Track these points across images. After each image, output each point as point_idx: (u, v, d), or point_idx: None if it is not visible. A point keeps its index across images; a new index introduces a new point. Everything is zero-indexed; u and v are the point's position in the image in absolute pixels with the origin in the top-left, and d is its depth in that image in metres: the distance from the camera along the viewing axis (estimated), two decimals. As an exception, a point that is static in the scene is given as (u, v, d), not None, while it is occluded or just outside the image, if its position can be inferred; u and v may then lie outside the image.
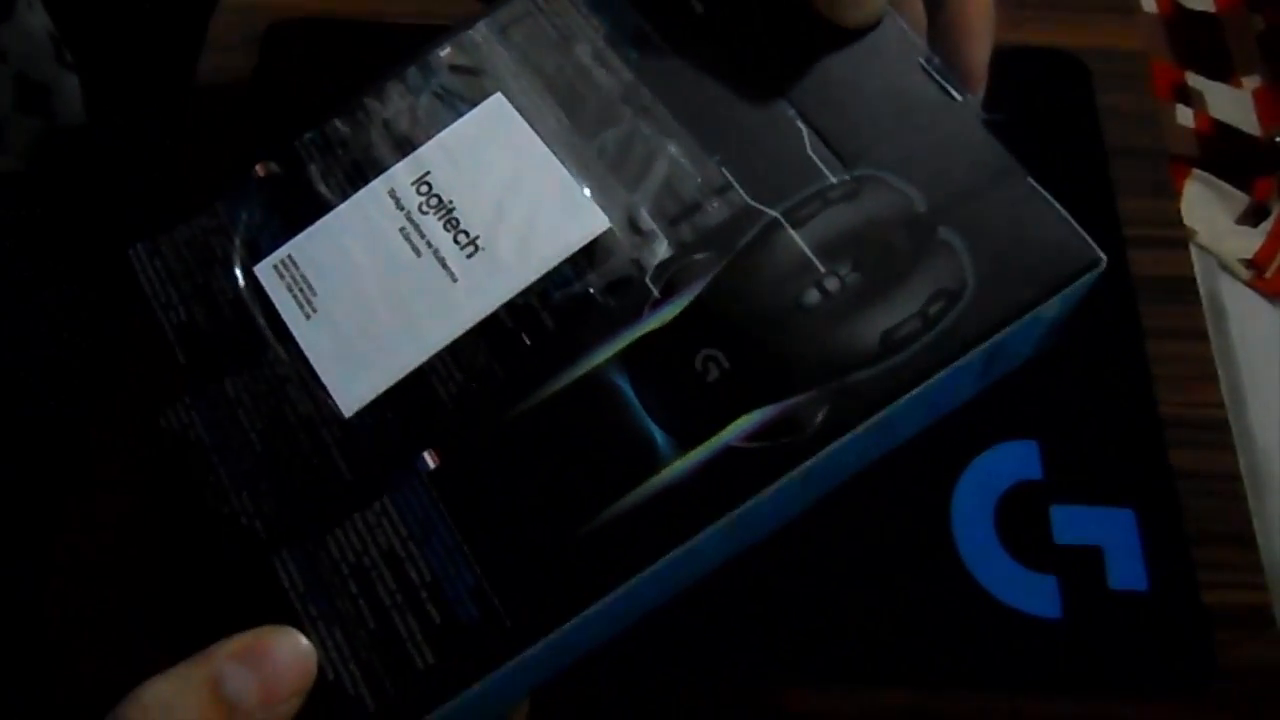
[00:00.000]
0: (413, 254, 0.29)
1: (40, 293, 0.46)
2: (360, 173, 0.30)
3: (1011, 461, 0.50)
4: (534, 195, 0.28)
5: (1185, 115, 0.67)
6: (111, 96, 0.44)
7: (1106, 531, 0.48)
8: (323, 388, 0.28)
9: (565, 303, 0.27)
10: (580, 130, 0.29)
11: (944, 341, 0.26)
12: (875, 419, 0.26)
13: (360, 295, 0.29)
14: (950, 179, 0.27)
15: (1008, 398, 0.51)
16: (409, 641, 0.26)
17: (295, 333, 0.29)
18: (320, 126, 0.31)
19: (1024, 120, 0.60)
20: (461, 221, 0.29)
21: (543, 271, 0.28)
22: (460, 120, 0.30)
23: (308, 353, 0.29)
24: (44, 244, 0.47)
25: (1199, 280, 0.56)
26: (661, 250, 0.28)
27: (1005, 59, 0.63)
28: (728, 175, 0.29)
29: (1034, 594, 0.47)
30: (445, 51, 0.31)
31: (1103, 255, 0.27)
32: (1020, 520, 0.48)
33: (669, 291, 0.27)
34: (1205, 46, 0.70)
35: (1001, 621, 0.46)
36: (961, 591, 0.47)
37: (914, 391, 0.26)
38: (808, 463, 0.25)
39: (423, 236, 0.29)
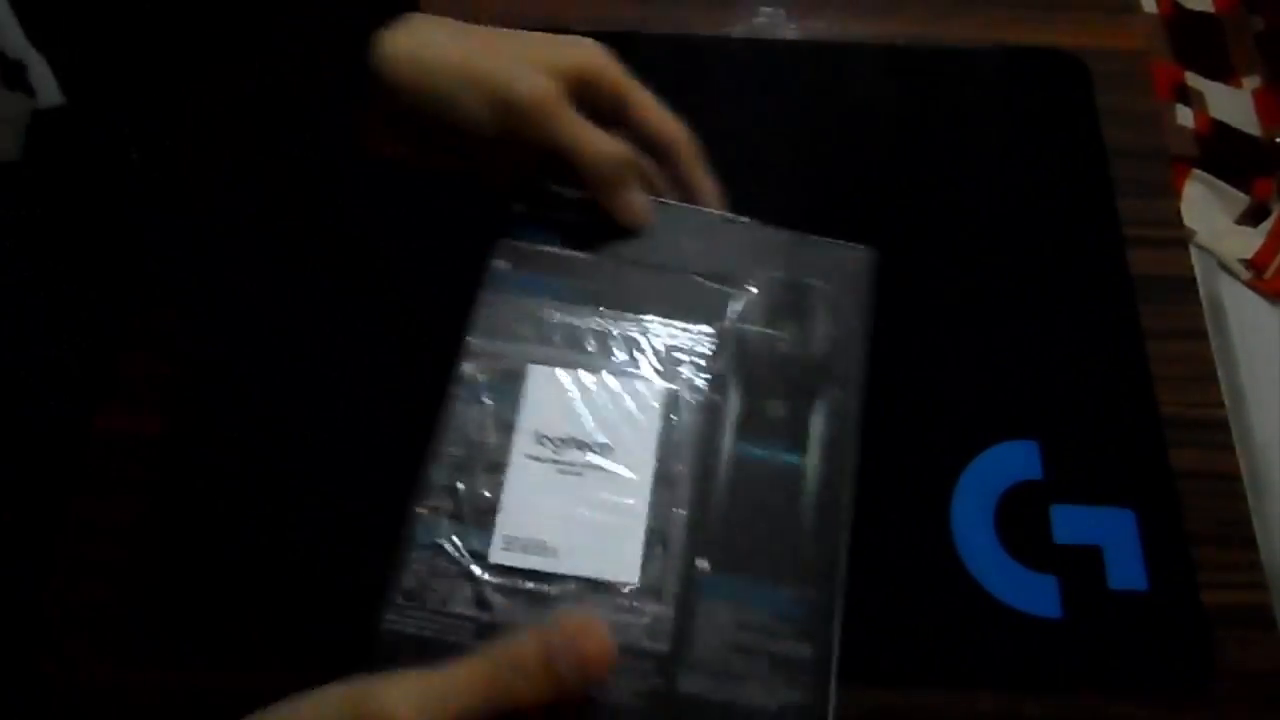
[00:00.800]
0: (577, 477, 0.38)
1: (40, 292, 0.46)
2: (494, 467, 0.38)
3: (1011, 461, 0.50)
4: (611, 401, 0.39)
5: (1185, 115, 0.67)
6: (82, 78, 0.44)
7: (1106, 531, 0.48)
8: (608, 585, 0.36)
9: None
10: (592, 348, 0.40)
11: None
12: None
13: (572, 519, 0.37)
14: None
15: (1008, 398, 0.51)
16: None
17: (559, 573, 0.36)
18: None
19: (1024, 120, 0.60)
20: (586, 440, 0.38)
21: (654, 440, 0.39)
22: (524, 396, 0.40)
23: (579, 573, 0.36)
24: (41, 240, 0.47)
25: (1199, 280, 0.56)
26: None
27: (1005, 59, 0.63)
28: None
29: (1034, 594, 0.47)
30: (469, 366, 0.40)
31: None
32: (1020, 520, 0.48)
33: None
34: (1205, 46, 0.70)
35: (1001, 621, 0.46)
36: (961, 591, 0.47)
37: None
38: None
39: (571, 464, 0.38)
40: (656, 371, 0.40)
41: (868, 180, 0.58)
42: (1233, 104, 0.68)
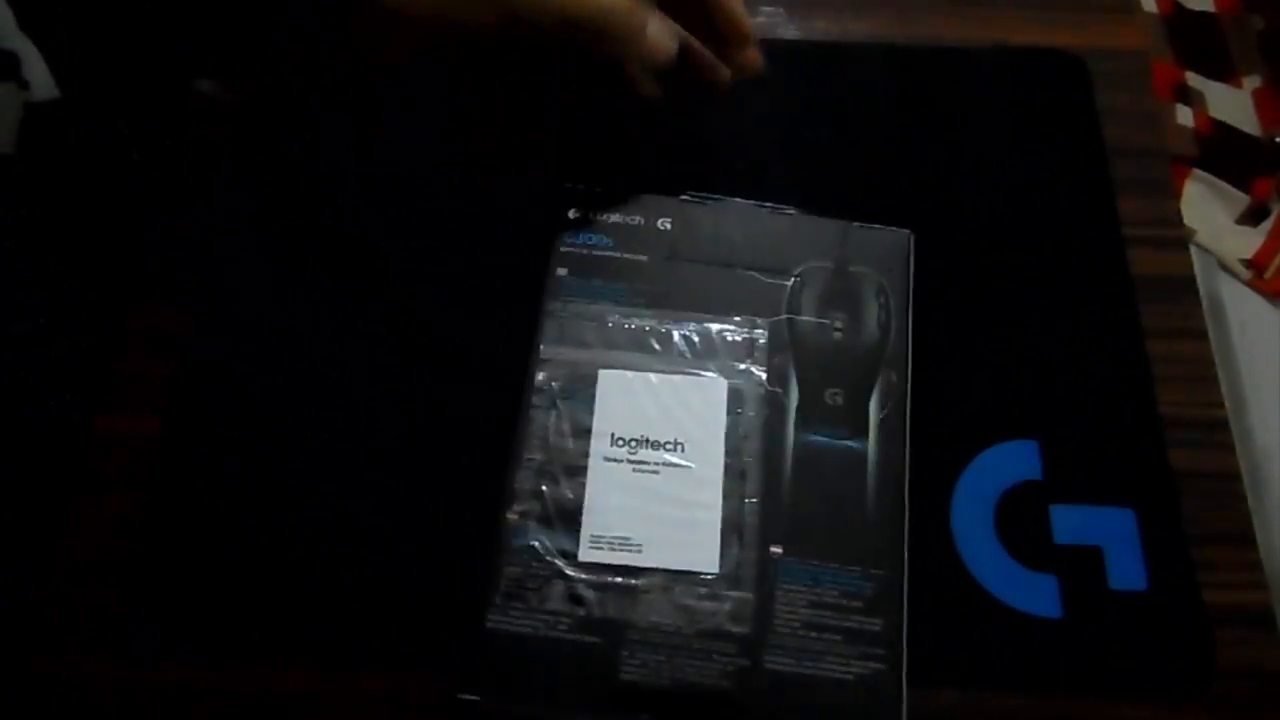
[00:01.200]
0: (652, 473, 0.40)
1: (39, 290, 0.46)
2: (574, 470, 0.41)
3: (1011, 461, 0.50)
4: (678, 399, 0.42)
5: (1185, 115, 0.67)
6: (76, 70, 0.44)
7: (1106, 531, 0.48)
8: (690, 575, 0.39)
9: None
10: (656, 349, 0.43)
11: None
12: None
13: (652, 515, 0.40)
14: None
15: (1008, 398, 0.51)
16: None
17: (644, 566, 0.39)
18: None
19: (1024, 120, 0.60)
20: (658, 439, 0.41)
21: (721, 434, 0.41)
22: (597, 401, 0.42)
23: (663, 565, 0.39)
24: (38, 236, 0.47)
25: (1199, 280, 0.56)
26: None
27: (1006, 59, 0.63)
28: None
29: (1034, 594, 0.47)
30: (542, 375, 0.43)
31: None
32: (1020, 520, 0.48)
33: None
34: (1205, 46, 0.70)
35: (1001, 621, 0.46)
36: (961, 591, 0.47)
37: None
38: None
39: (646, 463, 0.40)
40: (718, 368, 0.42)
41: (867, 180, 0.58)
42: (1233, 104, 0.69)
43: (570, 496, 0.40)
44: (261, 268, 0.54)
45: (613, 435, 0.42)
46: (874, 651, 0.37)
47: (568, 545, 0.39)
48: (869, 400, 0.41)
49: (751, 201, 0.45)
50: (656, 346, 0.43)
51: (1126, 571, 0.47)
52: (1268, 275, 0.64)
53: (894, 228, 0.45)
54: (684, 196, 0.45)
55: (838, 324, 0.42)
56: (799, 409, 0.41)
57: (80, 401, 0.50)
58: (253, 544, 0.48)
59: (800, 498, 0.40)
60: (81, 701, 0.45)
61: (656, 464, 0.41)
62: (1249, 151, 0.68)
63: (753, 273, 0.44)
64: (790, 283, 0.43)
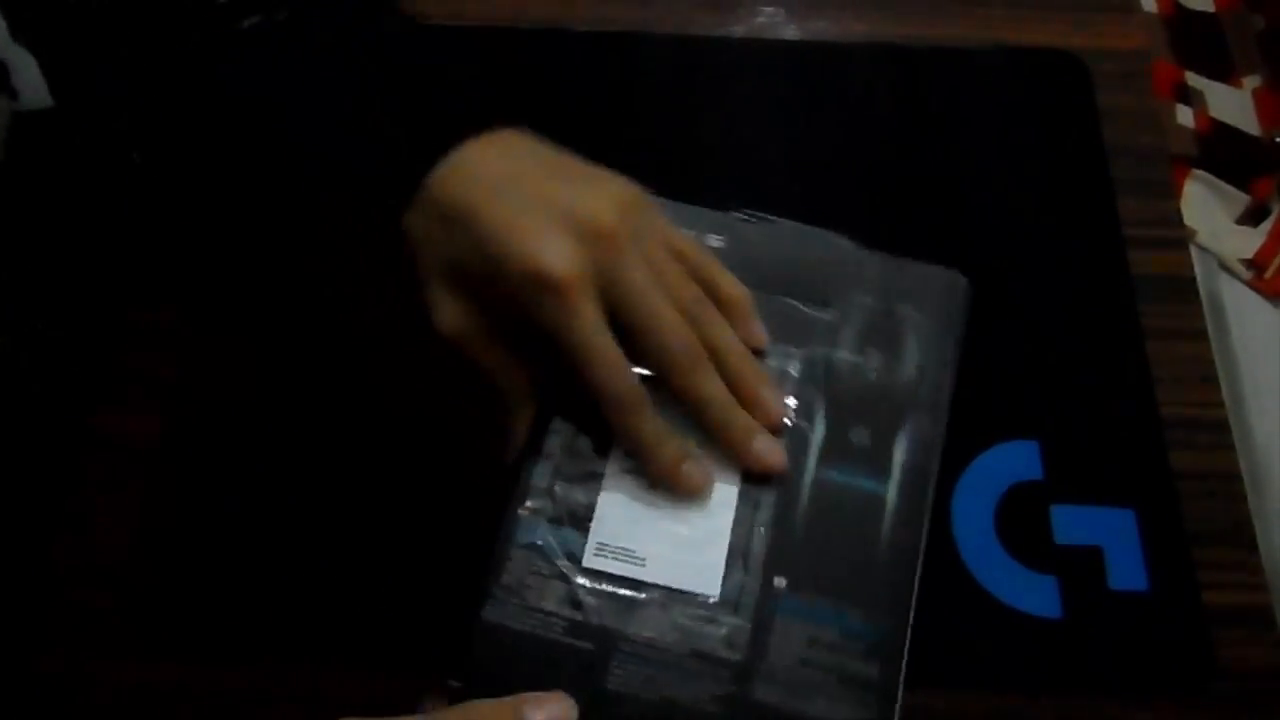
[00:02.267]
0: (668, 491, 0.39)
1: (37, 293, 0.46)
2: (591, 476, 0.40)
3: (1012, 461, 0.50)
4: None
5: (1185, 115, 0.67)
6: (71, 79, 0.44)
7: (1107, 531, 0.48)
8: (690, 595, 0.38)
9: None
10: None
11: None
12: None
13: (661, 531, 0.39)
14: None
15: (1008, 398, 0.51)
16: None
17: (645, 580, 0.38)
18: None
19: (1024, 120, 0.60)
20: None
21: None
22: None
23: (664, 583, 0.38)
24: (35, 241, 0.47)
25: (1199, 280, 0.56)
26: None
27: (1006, 59, 0.63)
28: None
29: (1034, 594, 0.47)
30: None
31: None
32: (1020, 520, 0.48)
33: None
34: (1205, 46, 0.71)
35: (1001, 621, 0.46)
36: (961, 591, 0.47)
37: None
38: None
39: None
40: None
41: (867, 180, 0.58)
42: (1233, 104, 0.69)
43: (583, 501, 0.39)
44: (263, 268, 0.54)
45: None
46: (867, 699, 0.36)
47: (574, 548, 0.39)
48: (895, 444, 0.40)
49: (803, 224, 0.44)
50: None
51: (1127, 572, 0.47)
52: (1268, 275, 0.65)
53: (947, 268, 0.43)
54: (737, 214, 0.44)
55: (875, 364, 0.41)
56: (822, 445, 0.40)
57: (80, 401, 0.50)
58: (252, 543, 0.48)
59: (812, 533, 0.39)
60: (81, 701, 0.45)
61: None
62: (1249, 151, 0.68)
63: (794, 301, 0.42)
64: (830, 316, 0.42)
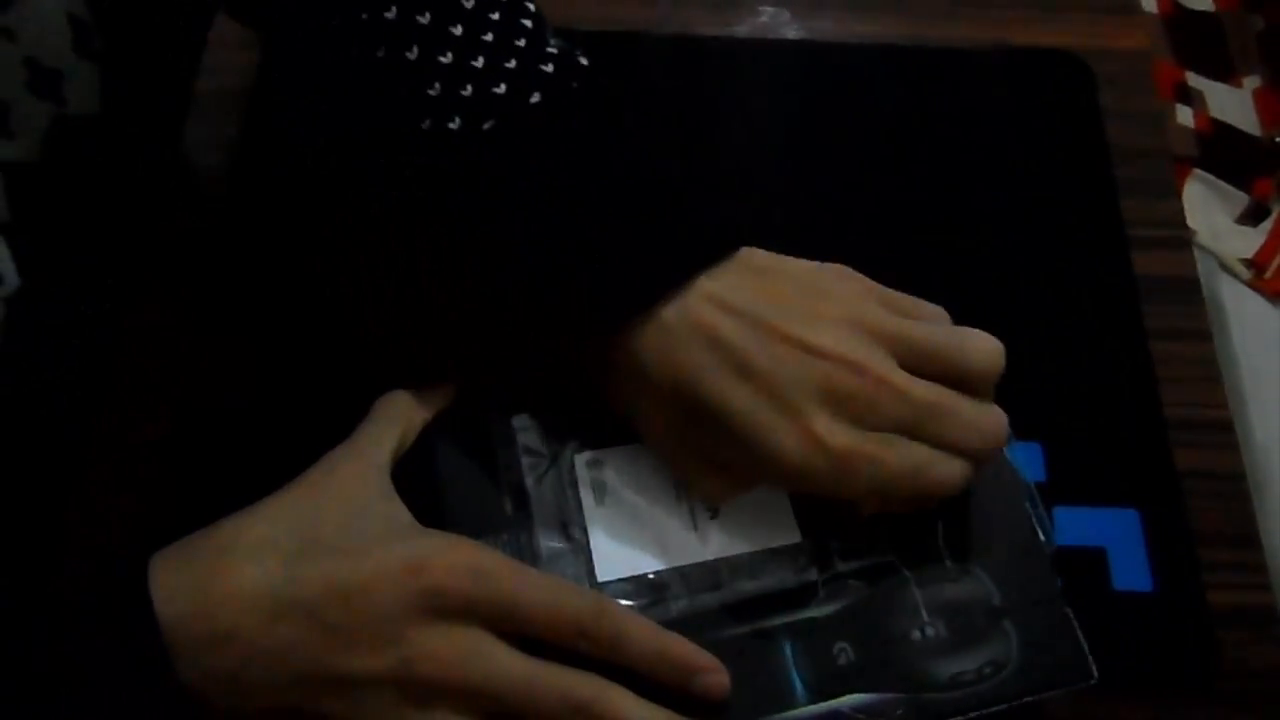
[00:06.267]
0: (675, 498, 0.40)
1: (46, 295, 0.45)
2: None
3: (1015, 463, 0.49)
4: (760, 498, 0.40)
5: (1185, 115, 0.67)
6: (127, 85, 0.44)
7: (1111, 532, 0.48)
8: (590, 555, 0.39)
9: (761, 576, 0.40)
10: None
11: (985, 692, 0.38)
12: None
13: (635, 508, 0.40)
14: (1022, 591, 0.40)
15: (1012, 399, 0.51)
16: None
17: (585, 509, 0.40)
18: None
19: (1027, 120, 0.60)
20: None
21: (749, 550, 0.40)
22: None
23: (589, 526, 0.40)
24: (58, 241, 0.47)
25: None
26: (831, 568, 0.40)
27: (1008, 59, 0.63)
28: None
29: (1037, 595, 0.47)
30: None
31: (1095, 675, 0.38)
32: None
33: (830, 597, 0.40)
34: (1205, 46, 0.71)
35: (1005, 622, 0.46)
36: (966, 592, 0.47)
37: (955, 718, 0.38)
38: None
39: (685, 491, 0.40)
40: None
41: (869, 180, 0.58)
42: (1233, 104, 0.69)
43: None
44: (268, 268, 0.53)
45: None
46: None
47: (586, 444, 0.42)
48: None
49: None
50: None
51: (1131, 572, 0.47)
52: (1268, 275, 0.65)
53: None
54: None
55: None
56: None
57: (81, 401, 0.50)
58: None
59: None
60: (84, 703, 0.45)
61: (686, 498, 0.41)
62: (1249, 151, 0.68)
63: None
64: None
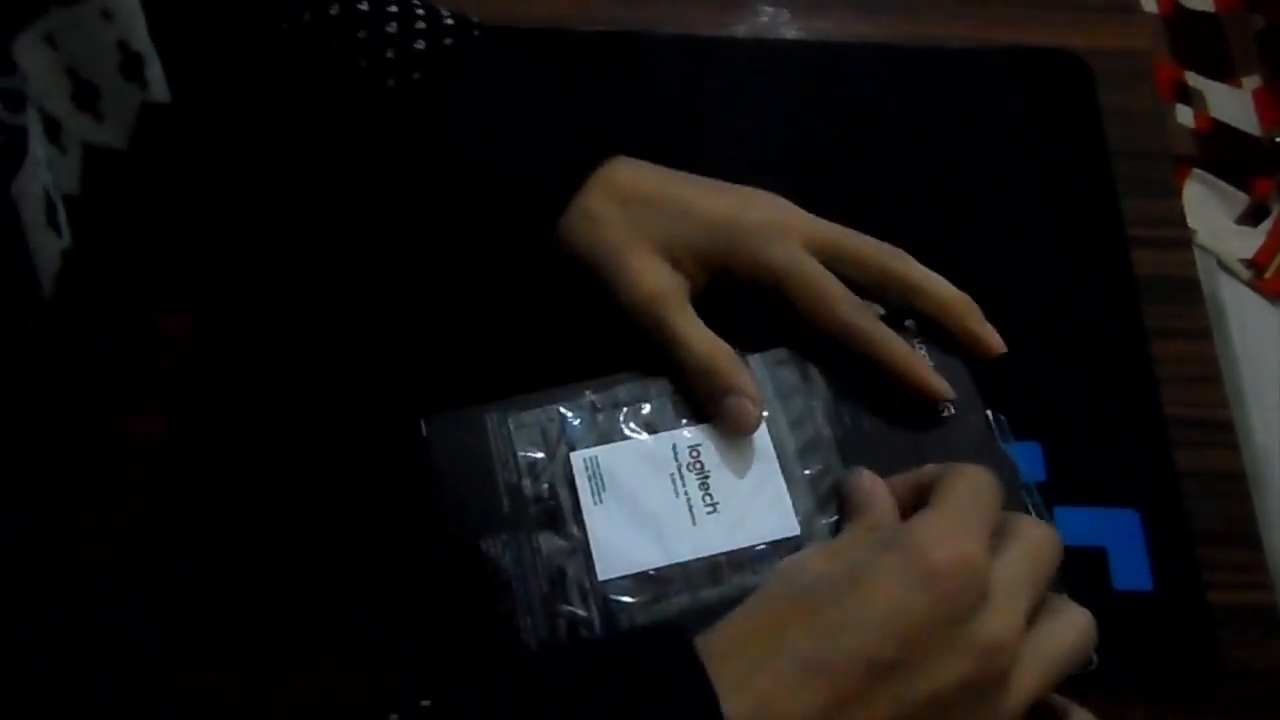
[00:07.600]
0: (672, 494, 0.40)
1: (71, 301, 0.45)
2: (653, 427, 0.42)
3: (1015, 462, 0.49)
4: (759, 491, 0.41)
5: (1185, 115, 0.67)
6: (189, 76, 0.44)
7: (1111, 532, 0.48)
8: (590, 553, 0.39)
9: (762, 570, 0.39)
10: (802, 460, 0.41)
11: None
12: None
13: (633, 505, 0.40)
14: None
15: (1011, 399, 0.51)
16: None
17: (583, 507, 0.40)
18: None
19: (1026, 120, 0.60)
20: (711, 488, 0.40)
21: (748, 544, 0.40)
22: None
23: (588, 524, 0.40)
24: (147, 226, 0.47)
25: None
26: None
27: (1009, 59, 0.63)
28: None
29: (1038, 595, 0.47)
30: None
31: (1095, 661, 0.39)
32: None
33: None
34: (1205, 46, 0.71)
35: (1006, 622, 0.46)
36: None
37: None
38: None
39: (684, 486, 0.40)
40: None
41: (869, 180, 0.58)
42: (1233, 104, 0.69)
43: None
44: (276, 267, 0.53)
45: (697, 444, 0.43)
46: None
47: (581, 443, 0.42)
48: None
49: None
50: None
51: (1131, 572, 0.47)
52: (1268, 275, 0.65)
53: None
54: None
55: None
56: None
57: (86, 404, 0.50)
58: (254, 543, 0.47)
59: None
60: (89, 706, 0.45)
61: (684, 492, 0.41)
62: (1249, 151, 0.68)
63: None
64: None
